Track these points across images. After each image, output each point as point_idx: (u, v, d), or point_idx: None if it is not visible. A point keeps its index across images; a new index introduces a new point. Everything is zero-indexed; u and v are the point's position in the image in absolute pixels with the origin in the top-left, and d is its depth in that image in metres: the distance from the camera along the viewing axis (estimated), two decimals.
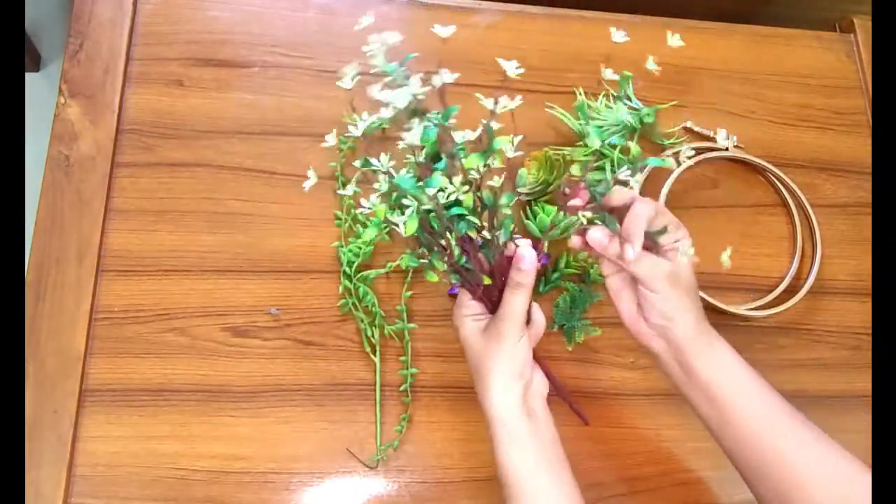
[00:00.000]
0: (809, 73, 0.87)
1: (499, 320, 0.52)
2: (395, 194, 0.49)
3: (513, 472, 0.51)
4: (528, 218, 0.72)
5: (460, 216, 0.50)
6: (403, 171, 0.49)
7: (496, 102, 0.49)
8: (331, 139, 0.52)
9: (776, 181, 0.81)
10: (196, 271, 0.68)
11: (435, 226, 0.50)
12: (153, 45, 0.74)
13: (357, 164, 0.50)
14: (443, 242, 0.50)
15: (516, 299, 0.52)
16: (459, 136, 0.49)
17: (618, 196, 0.53)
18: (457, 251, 0.51)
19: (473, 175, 0.50)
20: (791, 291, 0.76)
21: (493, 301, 0.54)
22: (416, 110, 0.48)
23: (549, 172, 0.72)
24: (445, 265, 0.51)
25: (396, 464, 0.65)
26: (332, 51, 0.77)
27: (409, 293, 0.68)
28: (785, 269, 0.78)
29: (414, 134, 0.46)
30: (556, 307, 0.71)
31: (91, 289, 0.65)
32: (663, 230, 0.52)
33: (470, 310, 0.54)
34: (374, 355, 0.67)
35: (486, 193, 0.50)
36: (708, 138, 0.81)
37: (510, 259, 0.53)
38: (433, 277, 0.52)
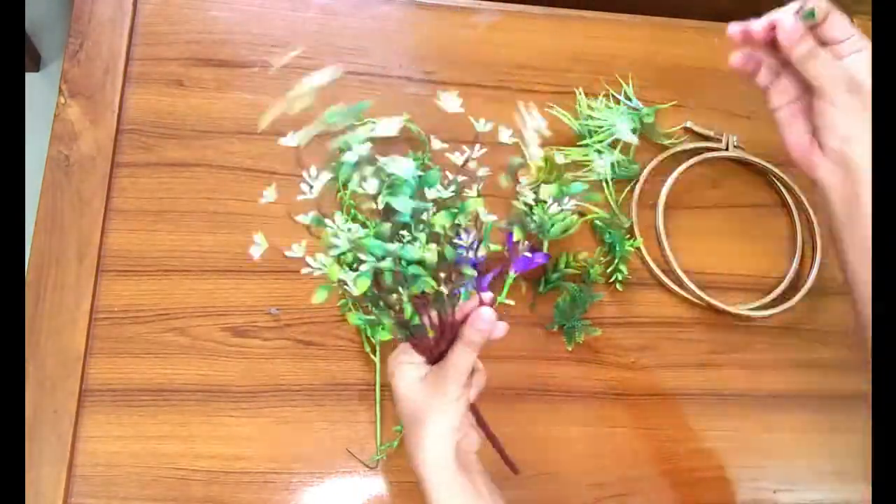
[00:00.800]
0: None
1: (442, 375, 0.49)
2: (344, 249, 0.46)
3: None
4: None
5: (416, 275, 0.46)
6: (353, 225, 0.46)
7: (465, 160, 0.46)
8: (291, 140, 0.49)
9: (776, 181, 0.81)
10: (196, 271, 0.68)
11: (387, 281, 0.46)
12: (153, 45, 0.74)
13: (307, 219, 0.47)
14: (392, 298, 0.47)
15: (465, 356, 0.49)
16: (431, 194, 0.46)
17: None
18: (408, 309, 0.47)
19: (438, 231, 0.46)
20: (791, 291, 0.76)
21: (437, 353, 0.51)
22: (372, 159, 0.45)
23: (549, 173, 0.72)
24: (393, 321, 0.48)
25: (396, 464, 0.65)
26: (332, 51, 0.77)
27: None
28: (785, 269, 0.78)
29: (371, 185, 0.44)
30: (556, 307, 0.71)
31: (91, 289, 0.65)
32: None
33: (409, 357, 0.51)
34: (374, 355, 0.67)
35: (449, 251, 0.47)
36: (708, 138, 0.81)
37: (463, 314, 0.49)
38: (386, 335, 0.48)
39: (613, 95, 0.80)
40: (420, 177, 0.46)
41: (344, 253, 0.45)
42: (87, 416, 0.62)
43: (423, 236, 0.46)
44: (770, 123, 0.88)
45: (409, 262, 0.45)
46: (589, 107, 0.78)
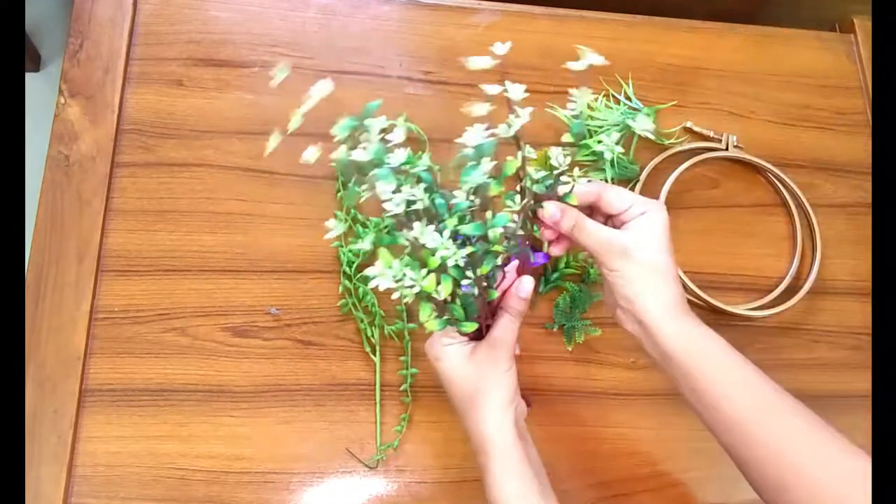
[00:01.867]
0: (809, 73, 0.86)
1: (493, 346, 0.51)
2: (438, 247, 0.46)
3: (510, 500, 0.49)
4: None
5: (486, 252, 0.48)
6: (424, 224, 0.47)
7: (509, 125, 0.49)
8: None
9: (776, 181, 0.81)
10: (196, 271, 0.68)
11: (457, 274, 0.47)
12: (153, 45, 0.74)
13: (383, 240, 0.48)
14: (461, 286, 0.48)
15: (511, 326, 0.51)
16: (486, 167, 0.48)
17: (584, 193, 0.52)
18: (475, 290, 0.49)
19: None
20: (791, 291, 0.76)
21: (480, 329, 0.52)
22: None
23: (549, 173, 0.72)
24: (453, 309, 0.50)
25: (396, 464, 0.65)
26: (332, 51, 0.77)
27: None
28: (785, 269, 0.78)
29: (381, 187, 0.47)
30: (556, 307, 0.71)
31: (91, 289, 0.65)
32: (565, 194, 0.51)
33: (450, 338, 0.53)
34: (374, 355, 0.67)
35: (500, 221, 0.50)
36: (708, 138, 0.81)
37: (503, 289, 0.52)
38: (471, 327, 0.49)
39: (613, 95, 0.80)
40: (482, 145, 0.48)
41: (433, 253, 0.46)
42: (87, 416, 0.62)
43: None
44: (770, 123, 0.88)
45: (477, 240, 0.47)
46: (589, 107, 0.78)
